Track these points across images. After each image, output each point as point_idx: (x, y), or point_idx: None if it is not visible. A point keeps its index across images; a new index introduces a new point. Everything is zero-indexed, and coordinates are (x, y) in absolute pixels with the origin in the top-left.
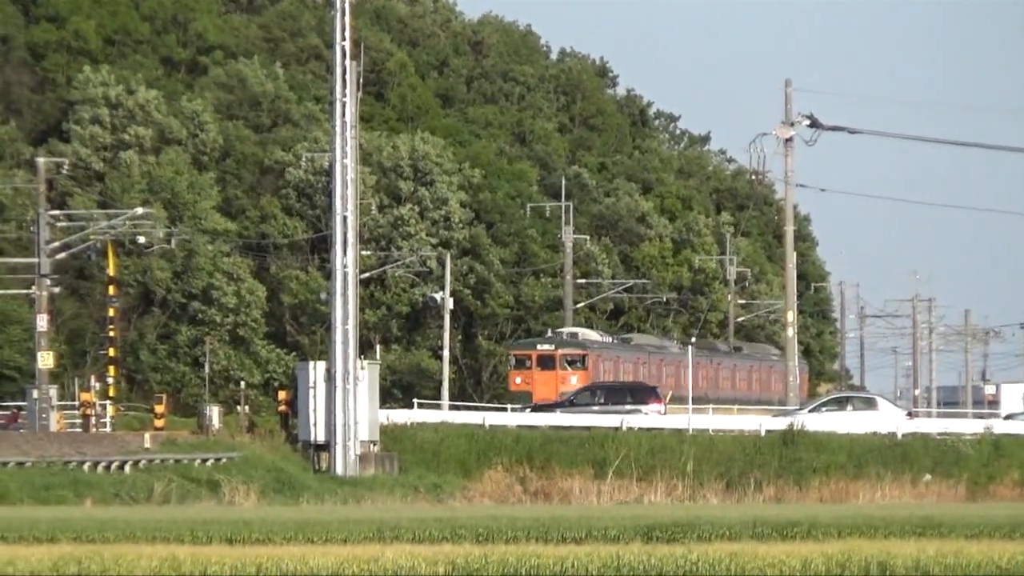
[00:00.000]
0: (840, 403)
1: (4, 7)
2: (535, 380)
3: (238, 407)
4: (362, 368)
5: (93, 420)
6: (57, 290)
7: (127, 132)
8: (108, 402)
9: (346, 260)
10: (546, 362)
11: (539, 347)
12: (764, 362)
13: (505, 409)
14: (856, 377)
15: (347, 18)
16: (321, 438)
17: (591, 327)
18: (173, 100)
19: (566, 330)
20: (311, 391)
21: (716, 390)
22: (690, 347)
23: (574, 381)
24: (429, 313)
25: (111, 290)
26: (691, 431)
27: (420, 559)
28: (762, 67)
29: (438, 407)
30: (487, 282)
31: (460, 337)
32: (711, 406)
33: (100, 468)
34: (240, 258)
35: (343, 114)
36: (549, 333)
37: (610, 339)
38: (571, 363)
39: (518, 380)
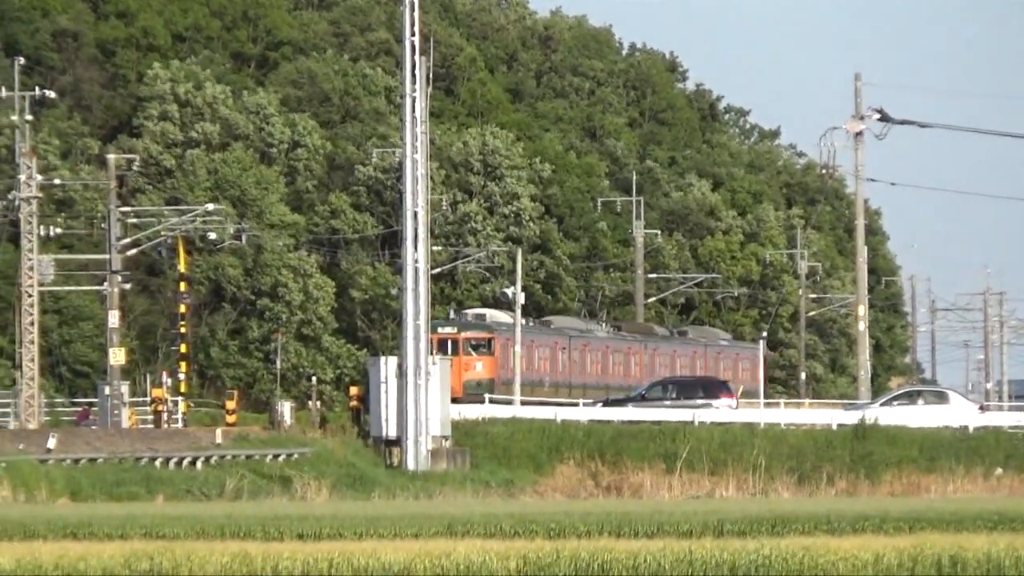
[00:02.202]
0: (911, 397)
1: (74, 4)
2: None
3: (310, 403)
4: (433, 363)
5: (165, 416)
6: (128, 287)
7: (195, 129)
8: (179, 398)
9: (417, 256)
10: (448, 347)
11: (440, 330)
12: (711, 348)
13: (577, 404)
14: (927, 371)
15: (416, 13)
16: (393, 433)
17: (662, 321)
18: (242, 96)
19: (472, 311)
20: (383, 386)
21: (653, 379)
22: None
23: (479, 368)
24: (500, 309)
25: (182, 287)
26: (763, 425)
27: (492, 554)
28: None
29: (510, 402)
30: (557, 277)
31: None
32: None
33: (172, 464)
34: (308, 253)
35: (413, 109)
36: (452, 315)
37: (524, 321)
38: (476, 348)
39: None
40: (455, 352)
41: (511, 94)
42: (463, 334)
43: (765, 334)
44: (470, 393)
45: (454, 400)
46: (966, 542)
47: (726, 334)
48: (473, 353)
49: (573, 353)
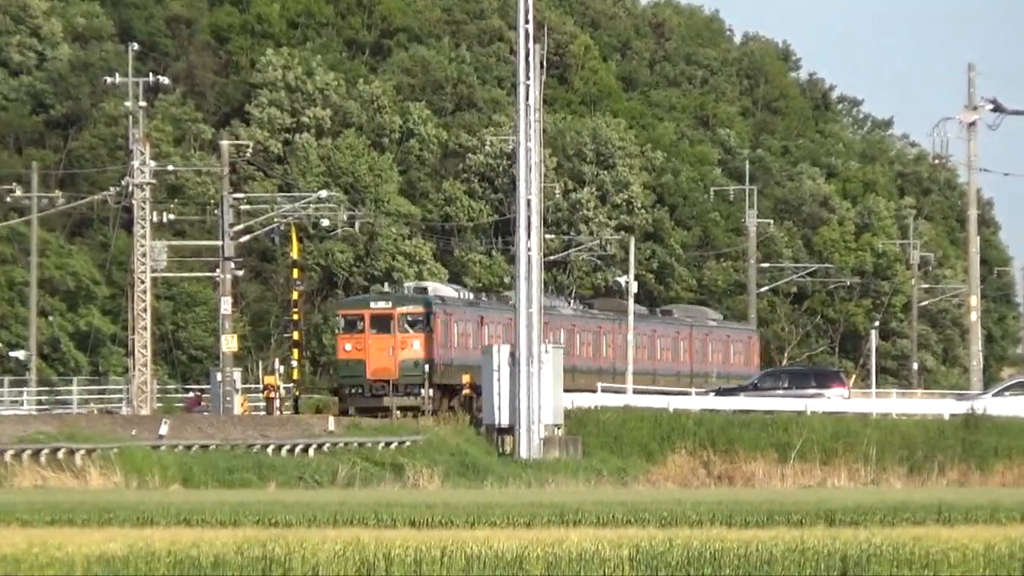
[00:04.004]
0: (1023, 387)
1: None
2: (368, 346)
3: (421, 390)
4: (546, 352)
5: (277, 403)
6: (241, 273)
7: (305, 115)
8: (292, 385)
9: (530, 244)
10: (381, 323)
11: (373, 305)
12: (698, 328)
13: (689, 393)
14: None
15: (530, 1)
16: (505, 421)
17: (773, 309)
18: (355, 83)
19: (412, 283)
20: (495, 374)
21: (627, 361)
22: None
23: (416, 346)
24: (611, 297)
25: (295, 273)
26: (874, 415)
27: (604, 542)
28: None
29: (622, 391)
30: (669, 266)
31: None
32: (627, 384)
33: (283, 451)
34: (422, 241)
35: (527, 97)
36: (385, 287)
37: (470, 295)
38: (412, 324)
39: (347, 347)
40: (388, 330)
41: (624, 82)
42: (399, 309)
43: (877, 324)
44: (406, 374)
45: (389, 383)
46: None
47: (716, 314)
48: (409, 330)
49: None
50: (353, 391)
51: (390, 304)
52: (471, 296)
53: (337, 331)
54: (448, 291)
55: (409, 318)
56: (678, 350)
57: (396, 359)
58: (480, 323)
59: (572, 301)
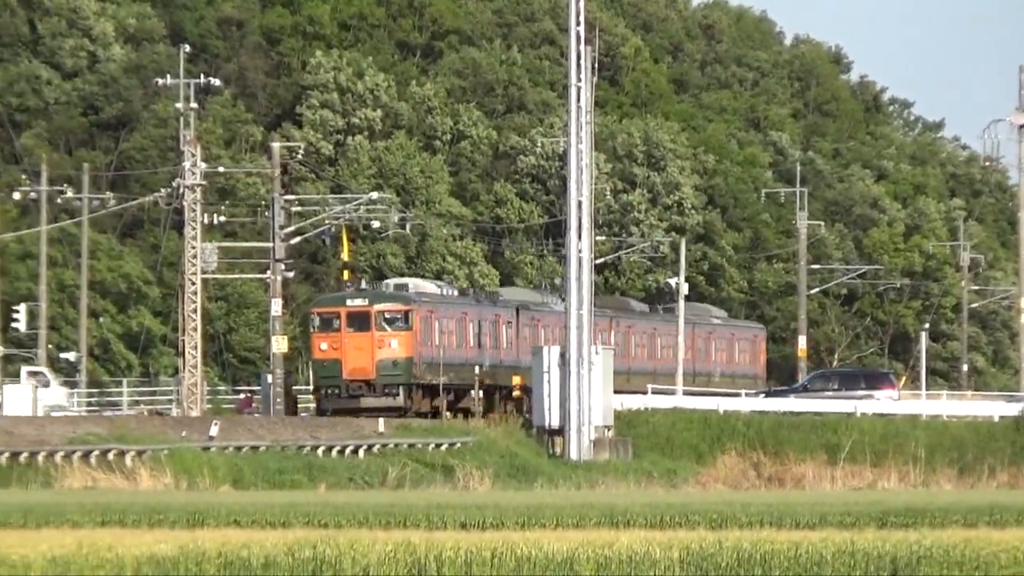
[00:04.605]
0: None
1: None
2: (345, 345)
3: (472, 392)
4: (596, 353)
5: None
6: (291, 275)
7: (356, 116)
8: None
9: (581, 245)
10: (359, 321)
11: (350, 302)
12: (701, 326)
13: (738, 394)
14: None
15: (581, 3)
16: (555, 423)
17: (823, 311)
18: (406, 85)
19: (393, 280)
20: (545, 376)
21: (624, 359)
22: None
23: (395, 345)
24: (663, 298)
25: (345, 275)
26: (924, 417)
27: (654, 544)
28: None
29: (672, 392)
30: (720, 268)
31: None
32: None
33: (334, 452)
34: (473, 242)
35: (578, 99)
36: (363, 284)
37: (454, 292)
38: (390, 322)
39: (323, 346)
40: (366, 328)
41: (675, 84)
42: (376, 306)
43: (927, 326)
44: (384, 374)
45: (365, 383)
46: None
47: (721, 311)
48: (388, 328)
49: (523, 329)
50: (329, 392)
51: (367, 301)
52: (455, 293)
53: (312, 329)
54: (431, 288)
55: (387, 315)
56: (678, 348)
57: (374, 358)
58: (464, 320)
59: (559, 296)
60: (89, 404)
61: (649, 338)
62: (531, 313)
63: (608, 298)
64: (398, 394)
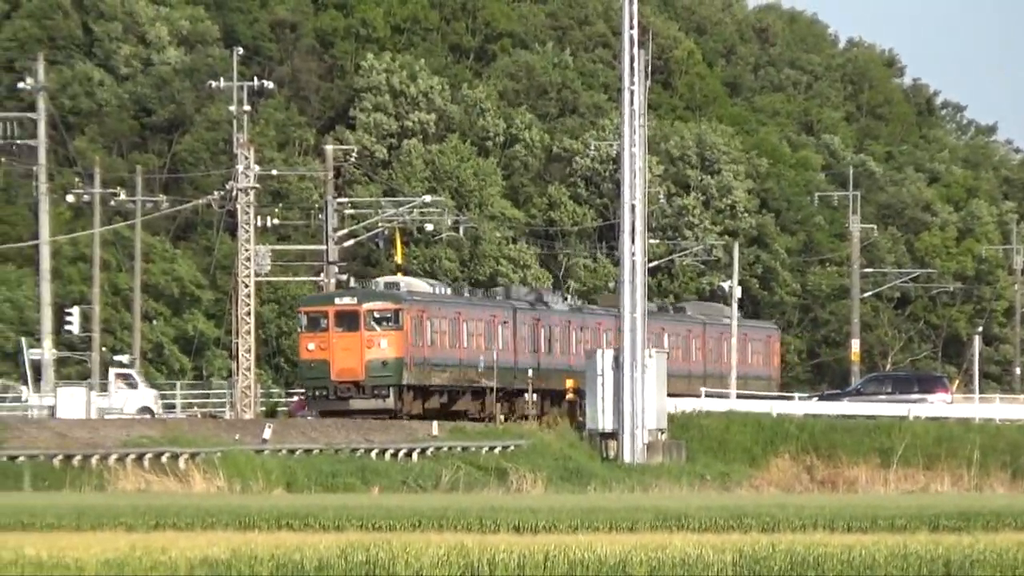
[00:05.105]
0: None
1: None
2: (333, 345)
3: (525, 395)
4: (650, 356)
5: None
6: (344, 277)
7: (409, 119)
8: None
9: (634, 249)
10: (348, 320)
11: (338, 301)
12: (712, 326)
13: (792, 397)
14: None
15: (635, 5)
16: (609, 426)
17: (876, 315)
18: (458, 88)
19: (384, 279)
20: (599, 379)
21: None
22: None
23: (384, 345)
24: (715, 302)
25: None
26: (977, 420)
27: (707, 547)
28: None
29: (725, 395)
30: (773, 271)
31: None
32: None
33: (387, 456)
34: (527, 245)
35: (631, 102)
36: (352, 282)
37: (447, 291)
38: (380, 322)
39: (310, 347)
40: (355, 327)
41: (728, 87)
42: (365, 305)
43: (980, 329)
44: (373, 375)
45: (354, 385)
46: None
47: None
48: (377, 328)
49: (521, 328)
50: (317, 394)
51: (356, 300)
52: (448, 292)
53: (299, 329)
54: (423, 287)
55: (376, 315)
56: (689, 349)
57: (363, 359)
58: (458, 320)
59: (569, 297)
60: (143, 407)
61: (656, 338)
62: (530, 313)
63: (610, 297)
64: (388, 396)
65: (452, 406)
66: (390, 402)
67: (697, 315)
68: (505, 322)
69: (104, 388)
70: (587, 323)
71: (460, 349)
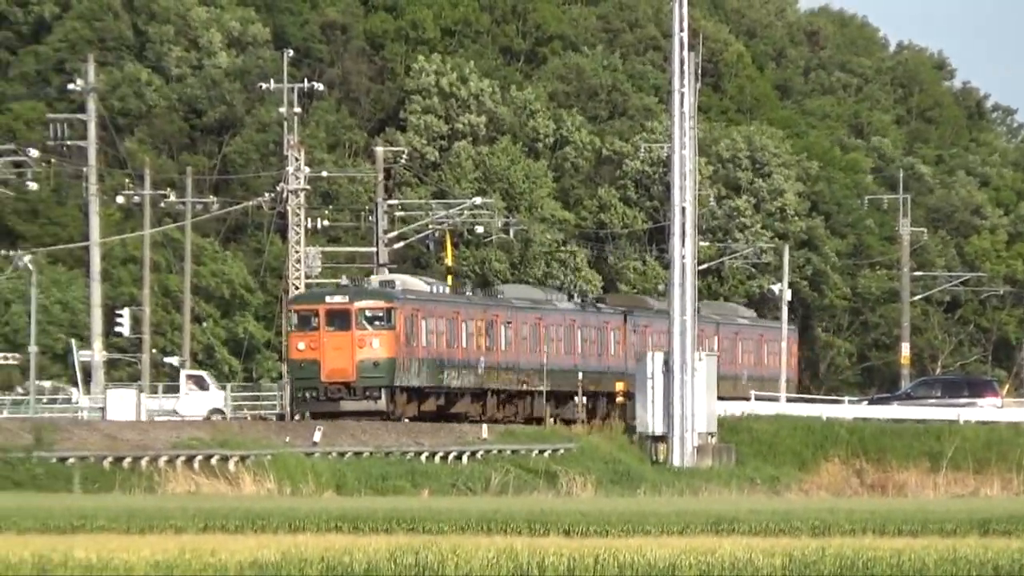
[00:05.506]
0: None
1: None
2: (324, 345)
3: (575, 398)
4: (700, 359)
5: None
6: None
7: (460, 121)
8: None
9: (684, 251)
10: (339, 319)
11: (328, 299)
12: (727, 327)
13: (841, 401)
14: None
15: (685, 8)
16: (659, 429)
17: (926, 318)
18: (508, 90)
19: (377, 277)
20: (649, 382)
21: (639, 359)
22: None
23: (377, 345)
24: (765, 305)
25: (449, 280)
26: None
27: (757, 551)
28: None
29: (775, 399)
30: (823, 274)
31: (797, 329)
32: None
33: (437, 458)
34: (577, 247)
35: (681, 105)
36: (344, 280)
37: (443, 290)
38: (372, 321)
39: (300, 346)
40: (347, 327)
41: (778, 90)
42: (357, 304)
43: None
44: (365, 376)
45: (345, 386)
46: None
47: (748, 311)
48: (369, 327)
49: (521, 327)
50: (306, 395)
51: (347, 298)
52: (445, 291)
53: (289, 328)
54: (419, 285)
55: (368, 314)
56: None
57: (354, 359)
58: (456, 319)
59: (575, 296)
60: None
61: (664, 338)
62: (531, 312)
63: (621, 296)
64: (380, 397)
65: (450, 408)
66: (382, 404)
67: (710, 315)
68: (508, 322)
69: (154, 390)
70: (592, 323)
71: (458, 349)
